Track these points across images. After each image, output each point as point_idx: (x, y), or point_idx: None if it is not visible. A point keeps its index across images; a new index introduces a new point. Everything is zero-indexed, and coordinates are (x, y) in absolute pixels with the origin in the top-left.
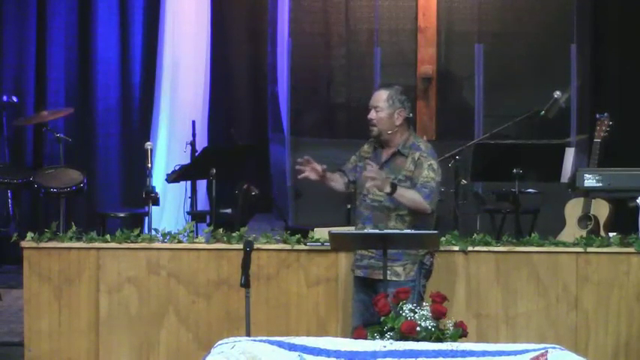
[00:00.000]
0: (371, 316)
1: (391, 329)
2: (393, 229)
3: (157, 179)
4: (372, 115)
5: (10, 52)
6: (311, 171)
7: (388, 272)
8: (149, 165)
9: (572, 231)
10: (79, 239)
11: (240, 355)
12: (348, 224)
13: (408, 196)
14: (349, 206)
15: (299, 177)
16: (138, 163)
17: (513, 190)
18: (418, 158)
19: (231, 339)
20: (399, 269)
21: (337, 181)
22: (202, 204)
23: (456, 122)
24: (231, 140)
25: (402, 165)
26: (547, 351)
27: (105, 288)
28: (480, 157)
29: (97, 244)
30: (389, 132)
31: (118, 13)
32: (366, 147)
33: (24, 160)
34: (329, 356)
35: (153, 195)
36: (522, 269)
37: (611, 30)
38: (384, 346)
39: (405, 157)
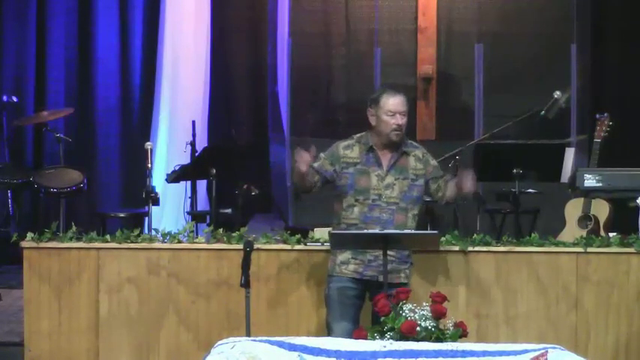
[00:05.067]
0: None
1: (391, 329)
2: (410, 228)
3: (157, 179)
4: (402, 121)
5: (10, 52)
6: (305, 163)
7: (402, 275)
8: (149, 165)
9: (572, 231)
10: (79, 239)
11: (240, 355)
12: None
13: None
14: None
15: (300, 168)
16: (138, 163)
17: (513, 190)
18: (423, 156)
19: (231, 339)
20: (408, 271)
21: (311, 177)
22: (202, 204)
23: (456, 122)
24: (231, 140)
25: (405, 164)
26: (547, 351)
27: (105, 288)
28: (479, 157)
29: (97, 244)
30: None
31: (118, 13)
32: (345, 152)
33: (24, 160)
34: (329, 356)
35: (153, 195)
36: (522, 269)
37: (611, 30)
38: (384, 346)
39: (407, 156)
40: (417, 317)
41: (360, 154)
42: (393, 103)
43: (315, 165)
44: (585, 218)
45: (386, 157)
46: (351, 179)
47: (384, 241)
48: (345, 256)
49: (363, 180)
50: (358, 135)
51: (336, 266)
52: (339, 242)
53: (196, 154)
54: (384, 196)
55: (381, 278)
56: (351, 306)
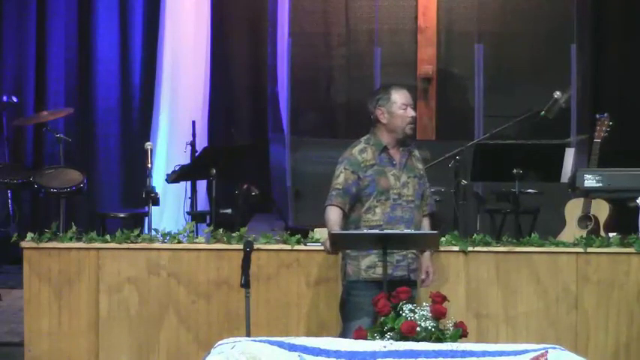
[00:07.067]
0: None
1: (391, 329)
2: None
3: (157, 179)
4: (415, 113)
5: (10, 52)
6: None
7: (417, 271)
8: (149, 165)
9: (572, 231)
10: (79, 239)
11: (240, 355)
12: None
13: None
14: None
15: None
16: (138, 163)
17: (513, 190)
18: (420, 156)
19: (231, 339)
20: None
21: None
22: (202, 204)
23: (456, 122)
24: (231, 140)
25: (412, 163)
26: (547, 351)
27: (105, 288)
28: (479, 157)
29: (97, 244)
30: None
31: (118, 13)
32: (361, 156)
33: (24, 160)
34: (329, 356)
35: (153, 195)
36: (522, 269)
37: (612, 30)
38: (384, 346)
39: (412, 155)
40: (417, 317)
41: (374, 155)
42: (404, 96)
43: (341, 187)
44: (585, 218)
45: (397, 156)
46: (372, 181)
47: (384, 241)
48: (370, 259)
49: (383, 180)
50: (365, 137)
51: (361, 271)
52: (339, 242)
53: (196, 154)
54: (403, 195)
55: (412, 277)
56: (374, 314)
